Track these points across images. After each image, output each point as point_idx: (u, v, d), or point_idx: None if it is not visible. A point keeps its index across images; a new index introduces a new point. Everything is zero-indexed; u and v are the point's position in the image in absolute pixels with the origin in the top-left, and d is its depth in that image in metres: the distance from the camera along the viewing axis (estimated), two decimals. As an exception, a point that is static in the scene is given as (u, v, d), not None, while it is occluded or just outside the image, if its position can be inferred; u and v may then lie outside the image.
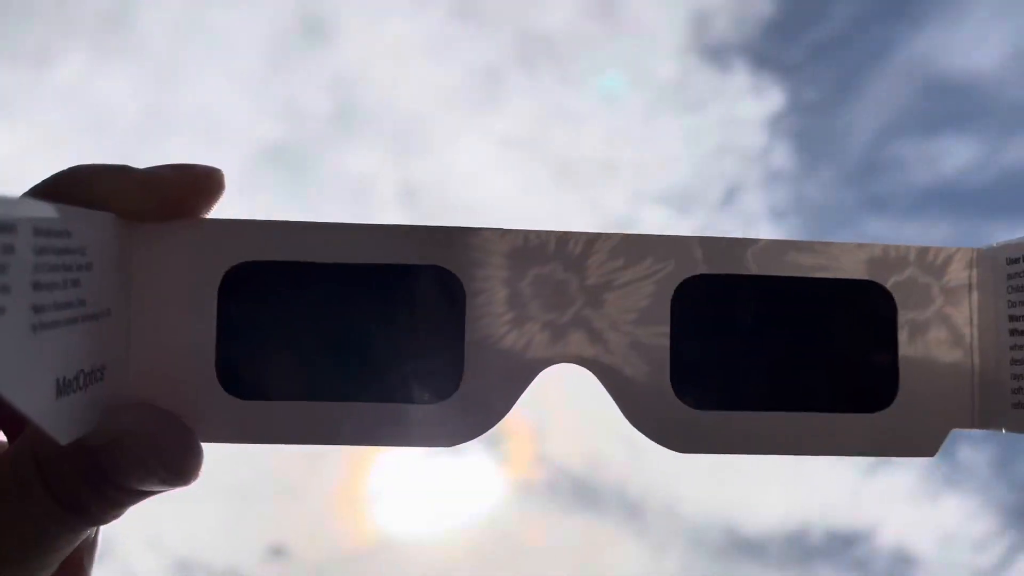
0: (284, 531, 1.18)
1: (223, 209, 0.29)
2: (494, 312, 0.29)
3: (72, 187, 0.26)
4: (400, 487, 1.17)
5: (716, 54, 1.24)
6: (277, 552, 1.17)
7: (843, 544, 1.23)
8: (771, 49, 1.24)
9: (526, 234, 0.30)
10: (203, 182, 0.28)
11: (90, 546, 0.29)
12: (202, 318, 0.28)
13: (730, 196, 1.24)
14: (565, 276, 0.30)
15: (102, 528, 0.28)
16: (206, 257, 0.28)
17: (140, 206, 0.27)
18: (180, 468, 0.26)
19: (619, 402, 0.30)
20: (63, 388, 0.22)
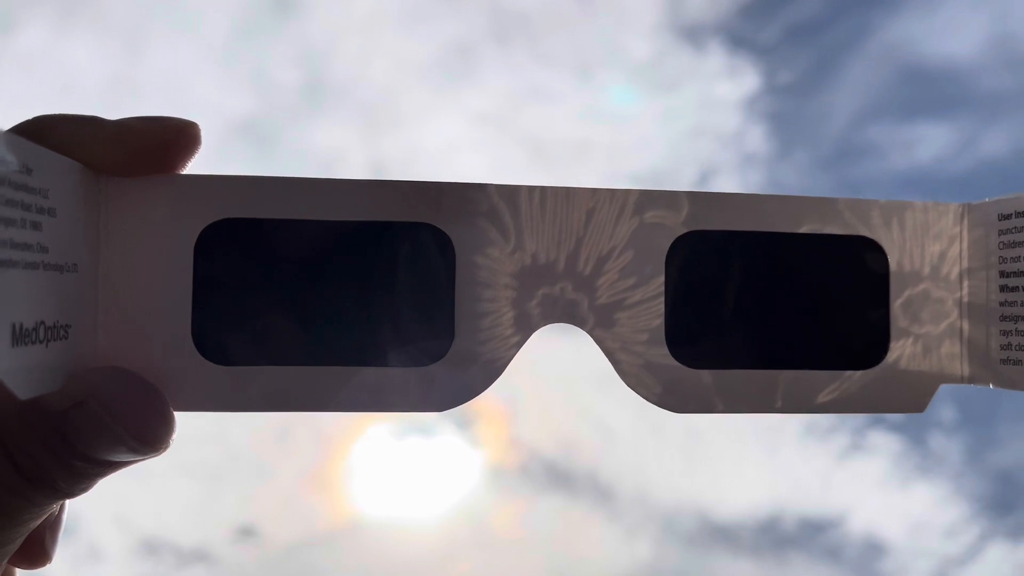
0: (254, 511, 1.16)
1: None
2: (486, 272, 0.28)
3: (36, 135, 0.24)
4: (373, 469, 1.16)
5: (691, 34, 1.23)
6: (246, 532, 1.15)
7: (814, 531, 1.24)
8: (746, 30, 1.23)
9: (521, 190, 0.28)
10: (177, 136, 0.26)
11: (54, 522, 0.27)
12: (177, 278, 0.27)
13: (704, 178, 1.24)
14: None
15: (68, 503, 0.27)
16: (181, 214, 0.27)
17: (110, 158, 0.26)
18: (150, 435, 0.24)
19: (615, 364, 0.29)
20: (20, 336, 0.21)
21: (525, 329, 0.29)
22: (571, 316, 0.29)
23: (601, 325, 0.29)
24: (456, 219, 0.28)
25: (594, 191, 0.29)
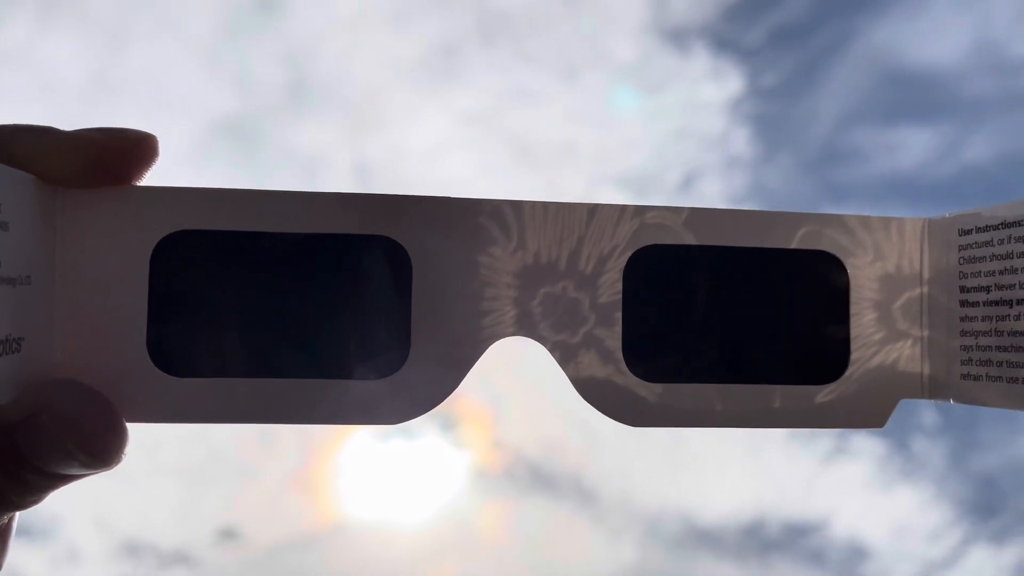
0: (236, 513, 1.16)
1: (168, 179, 0.27)
2: (442, 284, 0.28)
3: None
4: (357, 471, 1.16)
5: (676, 36, 1.23)
6: (228, 534, 1.15)
7: (798, 534, 1.24)
8: (731, 32, 1.24)
9: (485, 204, 0.28)
10: (135, 147, 0.26)
11: (3, 532, 0.26)
12: (133, 290, 0.27)
13: (688, 181, 1.24)
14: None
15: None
16: (137, 225, 0.27)
17: (65, 169, 0.25)
18: (101, 450, 0.24)
19: (570, 376, 0.29)
20: None
21: (493, 337, 0.29)
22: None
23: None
24: (414, 230, 0.28)
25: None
